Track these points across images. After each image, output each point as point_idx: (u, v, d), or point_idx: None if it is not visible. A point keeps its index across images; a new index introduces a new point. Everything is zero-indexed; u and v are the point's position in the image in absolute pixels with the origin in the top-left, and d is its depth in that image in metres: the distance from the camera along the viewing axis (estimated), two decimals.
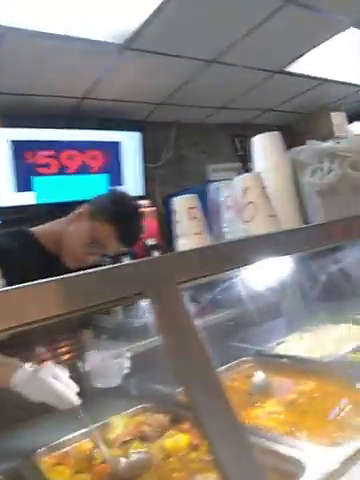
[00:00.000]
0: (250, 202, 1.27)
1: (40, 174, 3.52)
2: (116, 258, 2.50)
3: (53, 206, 3.40)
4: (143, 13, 2.49)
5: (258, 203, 1.26)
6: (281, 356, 1.68)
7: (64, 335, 1.61)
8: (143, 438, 1.24)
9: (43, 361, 1.40)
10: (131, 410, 1.44)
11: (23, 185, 3.44)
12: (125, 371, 1.46)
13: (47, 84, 3.14)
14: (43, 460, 1.22)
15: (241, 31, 2.93)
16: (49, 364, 1.29)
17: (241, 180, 1.31)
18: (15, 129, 3.38)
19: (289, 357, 1.64)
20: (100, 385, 1.44)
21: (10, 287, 0.72)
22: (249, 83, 3.87)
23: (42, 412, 1.26)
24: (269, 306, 1.94)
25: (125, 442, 1.23)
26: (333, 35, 3.29)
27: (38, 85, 3.13)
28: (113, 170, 3.92)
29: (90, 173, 3.79)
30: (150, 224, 3.50)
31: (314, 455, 0.94)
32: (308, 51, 3.48)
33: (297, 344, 1.78)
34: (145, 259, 0.93)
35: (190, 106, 4.13)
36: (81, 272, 0.81)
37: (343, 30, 3.23)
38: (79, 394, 1.26)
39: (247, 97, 4.14)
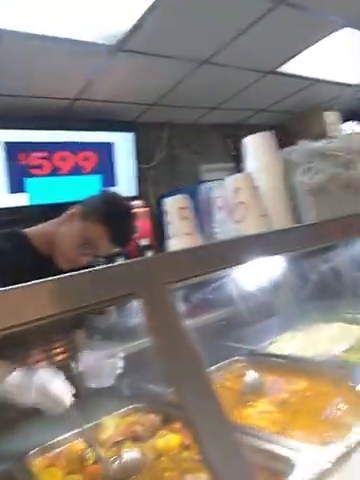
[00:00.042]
0: (241, 202, 1.27)
1: (33, 175, 3.51)
2: (110, 259, 2.50)
3: (46, 207, 3.39)
4: (134, 14, 2.49)
5: (249, 203, 1.27)
6: (273, 355, 1.69)
7: (58, 336, 1.60)
8: (135, 438, 1.24)
9: (38, 362, 1.40)
10: (123, 410, 1.44)
11: (16, 186, 3.43)
12: (118, 371, 1.46)
13: (39, 85, 3.14)
14: (35, 462, 1.22)
15: (233, 32, 2.94)
16: (43, 367, 1.28)
17: (232, 180, 1.31)
18: (8, 131, 3.37)
19: (281, 356, 1.65)
20: (93, 385, 1.43)
21: (3, 288, 0.72)
22: (241, 83, 3.88)
23: (34, 413, 1.26)
24: (262, 305, 1.95)
25: (117, 442, 1.23)
26: (326, 35, 3.31)
27: (30, 87, 3.13)
28: (106, 171, 3.92)
29: (83, 174, 3.78)
30: (143, 224, 3.50)
31: (304, 454, 0.95)
32: (301, 51, 3.50)
33: (289, 343, 1.79)
34: (136, 259, 0.94)
35: (182, 106, 4.14)
36: (73, 273, 0.81)
37: (336, 30, 3.25)
38: (73, 395, 1.26)
39: (240, 97, 4.15)
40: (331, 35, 3.31)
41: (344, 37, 3.39)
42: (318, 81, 4.19)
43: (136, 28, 2.62)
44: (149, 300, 0.86)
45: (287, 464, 0.92)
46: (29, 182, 3.49)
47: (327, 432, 1.08)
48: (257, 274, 1.46)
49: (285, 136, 2.20)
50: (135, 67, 3.17)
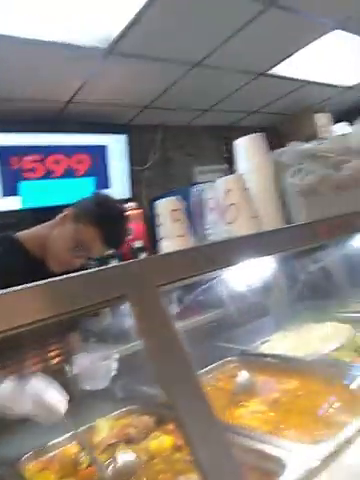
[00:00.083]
0: (232, 204, 1.28)
1: (26, 179, 3.50)
2: (103, 261, 2.50)
3: (39, 210, 3.39)
4: (126, 17, 2.50)
5: (240, 204, 1.28)
6: (265, 355, 1.70)
7: (52, 339, 1.60)
8: (128, 441, 1.24)
9: (32, 366, 1.39)
10: (116, 412, 1.44)
11: (9, 190, 3.42)
12: (113, 373, 1.47)
13: (32, 89, 3.14)
14: (28, 466, 1.22)
15: (224, 34, 2.96)
16: (36, 375, 1.27)
17: (223, 182, 1.32)
18: (0, 134, 3.36)
19: (273, 356, 1.66)
20: (88, 387, 1.43)
21: None
22: (233, 86, 3.90)
23: (26, 418, 1.25)
24: (254, 306, 1.96)
25: (110, 445, 1.23)
26: (317, 38, 3.33)
27: (23, 90, 3.12)
28: (100, 173, 3.91)
29: (76, 177, 3.78)
30: (137, 226, 3.50)
31: (295, 453, 0.95)
32: (292, 54, 3.52)
33: (281, 343, 1.79)
34: (128, 262, 0.94)
35: (175, 109, 4.15)
36: (64, 276, 0.82)
37: (327, 32, 3.27)
38: (67, 400, 1.26)
39: (232, 99, 4.17)
40: (322, 37, 3.34)
41: (335, 39, 3.41)
42: (309, 83, 4.21)
43: (128, 31, 2.63)
44: (141, 302, 0.87)
45: (278, 464, 0.92)
46: (22, 185, 3.48)
47: (318, 430, 1.09)
48: (248, 275, 1.46)
49: (277, 138, 2.22)
50: (128, 70, 3.18)
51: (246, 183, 1.33)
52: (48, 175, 3.61)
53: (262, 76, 3.79)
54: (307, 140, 1.68)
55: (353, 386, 1.28)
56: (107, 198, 1.72)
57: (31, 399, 1.19)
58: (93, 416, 1.41)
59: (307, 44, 3.42)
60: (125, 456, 1.14)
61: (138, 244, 3.52)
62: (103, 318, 1.72)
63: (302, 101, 4.54)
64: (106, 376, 1.45)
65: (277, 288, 2.05)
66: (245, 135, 1.50)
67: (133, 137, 4.06)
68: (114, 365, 1.48)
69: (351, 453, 0.95)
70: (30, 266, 1.54)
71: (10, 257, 1.56)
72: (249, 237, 1.20)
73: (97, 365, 1.46)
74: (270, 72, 3.76)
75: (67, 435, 1.30)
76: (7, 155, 3.39)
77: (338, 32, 3.29)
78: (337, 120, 2.95)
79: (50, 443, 1.30)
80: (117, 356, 1.52)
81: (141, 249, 3.53)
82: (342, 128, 2.80)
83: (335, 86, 4.48)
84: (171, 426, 1.26)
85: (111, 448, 1.22)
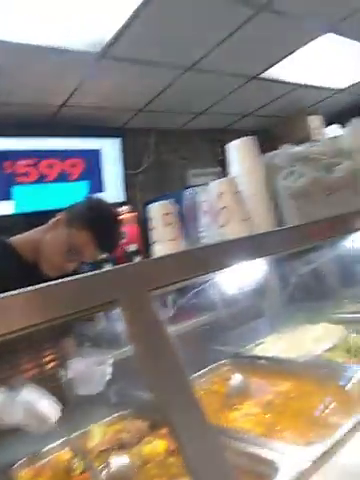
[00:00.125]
0: (224, 207, 1.28)
1: (19, 183, 3.49)
2: (96, 265, 2.49)
3: (32, 215, 3.37)
4: (119, 21, 2.51)
5: (232, 207, 1.28)
6: (258, 358, 1.70)
7: (46, 344, 1.60)
8: (121, 446, 1.23)
9: (25, 371, 1.39)
10: (109, 418, 1.43)
11: (2, 195, 3.41)
12: (107, 378, 1.46)
13: (25, 93, 3.13)
14: (21, 473, 1.21)
15: (217, 38, 2.97)
16: (28, 385, 1.26)
17: (216, 185, 1.32)
18: None
19: (266, 358, 1.66)
20: (83, 392, 1.43)
21: None
22: (226, 89, 3.91)
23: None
24: (247, 308, 1.96)
25: (103, 451, 1.22)
26: (309, 41, 3.35)
27: (16, 95, 3.12)
28: (93, 177, 3.91)
29: (70, 181, 3.77)
30: (131, 230, 3.50)
31: (288, 455, 0.95)
32: (284, 57, 3.54)
33: (275, 345, 1.80)
34: (120, 266, 0.94)
35: (169, 112, 4.16)
36: (56, 281, 0.81)
37: (319, 36, 3.29)
38: (60, 407, 1.25)
39: (225, 103, 4.19)
40: (314, 40, 3.36)
41: (327, 42, 3.43)
42: (302, 86, 4.24)
43: (121, 35, 2.64)
44: (133, 307, 0.86)
45: (271, 467, 0.92)
46: (15, 190, 3.47)
47: (311, 432, 1.09)
48: (241, 277, 1.47)
49: (270, 140, 2.23)
50: (121, 74, 3.19)
51: (238, 186, 1.34)
52: (41, 179, 3.60)
53: (255, 79, 3.81)
54: (300, 142, 1.69)
55: (346, 386, 1.28)
56: (100, 202, 1.72)
57: (22, 409, 1.18)
58: (87, 422, 1.41)
59: (299, 47, 3.44)
60: (119, 461, 1.14)
61: (132, 248, 3.51)
62: (98, 323, 1.72)
63: (295, 104, 4.56)
64: (101, 381, 1.45)
65: (270, 290, 2.06)
66: (239, 138, 1.50)
67: (127, 141, 4.06)
68: (109, 370, 1.48)
69: (344, 453, 0.95)
70: (23, 271, 1.53)
71: (3, 262, 1.55)
72: (241, 240, 1.20)
73: (92, 370, 1.46)
74: (263, 75, 3.78)
75: (60, 441, 1.29)
76: (0, 159, 3.38)
77: (330, 35, 3.32)
78: (329, 122, 2.97)
79: (43, 450, 1.29)
80: (111, 361, 1.51)
81: (135, 253, 3.52)
82: (334, 130, 2.82)
83: (327, 89, 4.51)
84: (164, 430, 1.25)
85: (104, 454, 1.22)
